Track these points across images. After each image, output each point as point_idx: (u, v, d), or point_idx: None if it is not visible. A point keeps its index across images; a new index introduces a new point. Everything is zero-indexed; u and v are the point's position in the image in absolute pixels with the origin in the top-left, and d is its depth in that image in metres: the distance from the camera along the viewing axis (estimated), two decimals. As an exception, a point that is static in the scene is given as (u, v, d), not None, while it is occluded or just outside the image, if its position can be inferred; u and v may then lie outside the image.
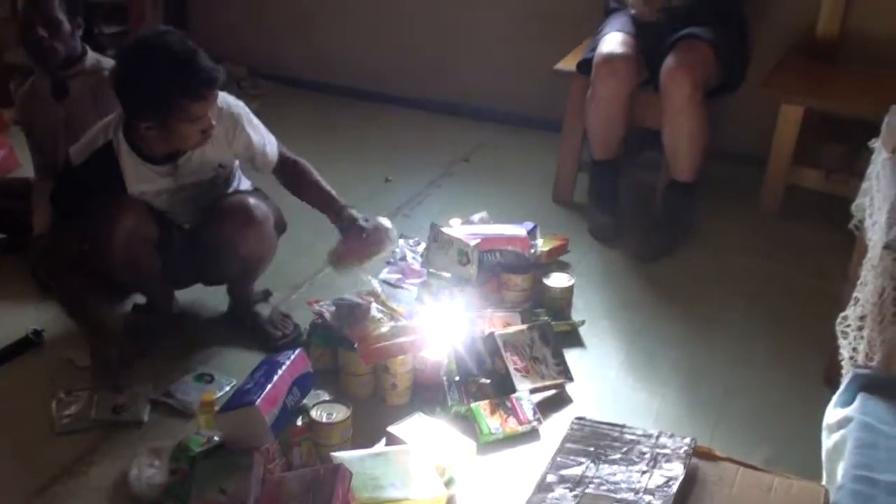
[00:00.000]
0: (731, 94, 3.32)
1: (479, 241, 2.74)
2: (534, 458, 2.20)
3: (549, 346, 2.52)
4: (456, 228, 2.89)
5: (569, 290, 2.78)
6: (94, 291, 2.60)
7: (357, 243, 2.56)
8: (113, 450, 2.25)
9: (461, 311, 2.59)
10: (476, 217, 3.08)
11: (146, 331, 2.65)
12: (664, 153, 3.20)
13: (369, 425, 2.26)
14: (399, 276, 2.91)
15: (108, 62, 2.98)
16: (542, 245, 2.96)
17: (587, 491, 1.76)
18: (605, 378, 2.57)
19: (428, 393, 2.41)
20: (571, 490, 1.77)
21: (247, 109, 2.58)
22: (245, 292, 2.72)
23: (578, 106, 3.31)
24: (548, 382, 2.45)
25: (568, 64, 3.40)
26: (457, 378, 2.40)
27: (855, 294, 1.97)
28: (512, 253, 2.80)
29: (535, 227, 2.97)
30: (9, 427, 2.32)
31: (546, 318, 2.64)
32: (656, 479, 1.77)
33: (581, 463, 1.85)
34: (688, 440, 1.85)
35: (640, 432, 1.91)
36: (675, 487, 1.74)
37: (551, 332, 2.55)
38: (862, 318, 1.92)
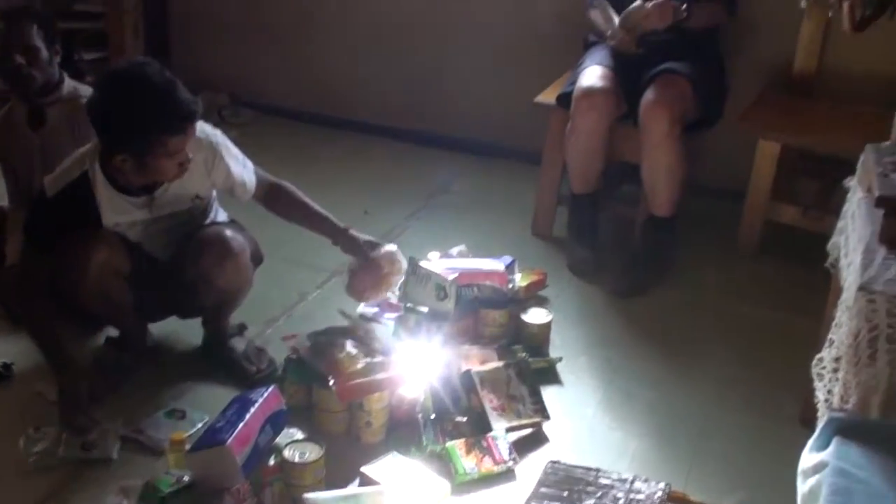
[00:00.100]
0: (709, 129, 3.34)
1: (456, 275, 2.73)
2: (509, 500, 2.18)
3: (526, 384, 2.50)
4: (434, 262, 2.87)
5: (546, 326, 2.77)
6: (65, 324, 2.57)
7: (369, 272, 2.60)
8: (81, 488, 2.21)
9: (438, 347, 2.57)
10: (454, 251, 3.06)
11: (118, 365, 2.62)
12: (643, 187, 3.20)
13: (343, 464, 2.23)
14: (376, 310, 2.89)
15: (86, 90, 2.96)
16: (519, 280, 2.95)
17: (561, 536, 1.75)
18: (582, 416, 2.55)
19: (403, 431, 2.38)
20: (545, 535, 1.75)
21: (225, 138, 2.56)
22: (220, 326, 2.69)
23: (558, 139, 3.31)
24: (524, 421, 2.43)
25: (548, 97, 3.40)
26: (432, 416, 2.38)
27: (830, 336, 1.96)
28: (490, 288, 2.78)
29: (513, 262, 2.96)
30: (-25, 464, 2.28)
31: (523, 354, 2.63)
32: (631, 524, 1.76)
33: (555, 507, 1.83)
34: (662, 485, 1.84)
35: (614, 476, 1.89)
36: (649, 533, 1.73)
37: (528, 370, 2.53)
38: (837, 359, 1.91)
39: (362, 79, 4.31)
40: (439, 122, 4.20)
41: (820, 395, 1.96)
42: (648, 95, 3.08)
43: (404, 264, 2.67)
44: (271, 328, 2.86)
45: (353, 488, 2.14)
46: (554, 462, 1.96)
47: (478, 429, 2.36)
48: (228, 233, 2.54)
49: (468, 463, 2.25)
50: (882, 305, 1.78)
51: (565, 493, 1.84)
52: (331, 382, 2.34)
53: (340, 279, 2.74)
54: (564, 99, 3.26)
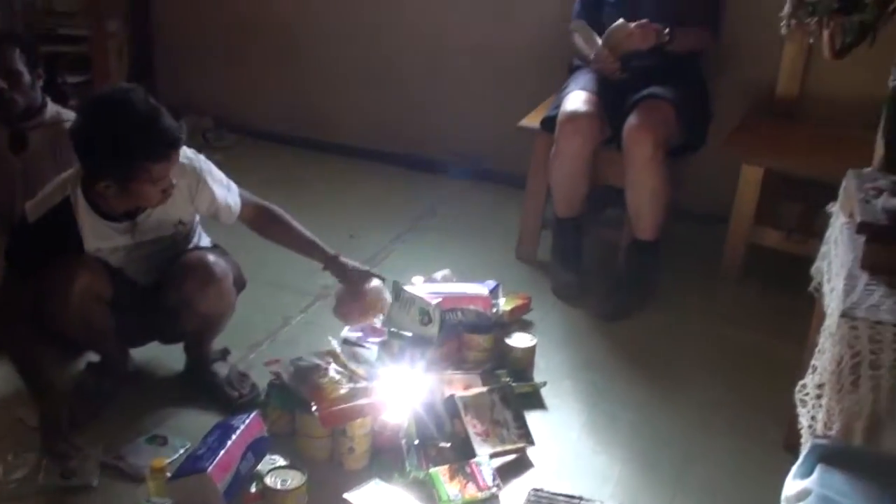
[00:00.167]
0: (693, 154, 3.35)
1: (440, 300, 2.72)
2: (493, 526, 2.17)
3: (510, 409, 2.49)
4: (418, 287, 2.87)
5: (530, 351, 2.76)
6: (46, 349, 2.55)
7: (356, 299, 2.64)
8: (61, 516, 2.19)
9: (422, 371, 2.56)
10: (439, 275, 3.06)
11: (99, 390, 2.59)
12: (627, 211, 3.21)
13: (325, 491, 2.22)
14: (360, 334, 2.87)
15: (69, 114, 2.95)
16: (504, 304, 2.95)
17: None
18: (567, 441, 2.54)
19: (386, 456, 2.36)
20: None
21: (208, 163, 2.56)
22: (202, 351, 2.67)
23: (542, 163, 3.31)
24: (508, 447, 2.42)
25: (532, 121, 3.41)
26: (416, 441, 2.36)
27: (813, 362, 1.96)
28: (473, 312, 2.78)
29: (497, 286, 2.96)
30: (-47, 492, 2.25)
31: (507, 379, 2.62)
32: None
33: (539, 534, 1.82)
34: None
35: None
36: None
37: (512, 395, 2.52)
38: (820, 386, 1.90)
39: (347, 102, 4.31)
40: (424, 144, 4.20)
41: (803, 421, 1.95)
42: (632, 120, 3.09)
43: (388, 300, 2.69)
44: (254, 353, 2.85)
45: (335, 516, 2.12)
46: (537, 490, 1.95)
47: (461, 454, 2.35)
48: (211, 258, 2.53)
49: (452, 489, 2.23)
50: (864, 332, 1.78)
51: (549, 521, 1.83)
52: (313, 408, 2.32)
53: (327, 301, 2.77)
54: (548, 123, 3.27)
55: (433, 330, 2.68)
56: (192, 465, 2.05)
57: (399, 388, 2.43)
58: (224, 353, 2.74)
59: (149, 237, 2.50)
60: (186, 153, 2.46)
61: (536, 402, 2.67)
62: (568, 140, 3.15)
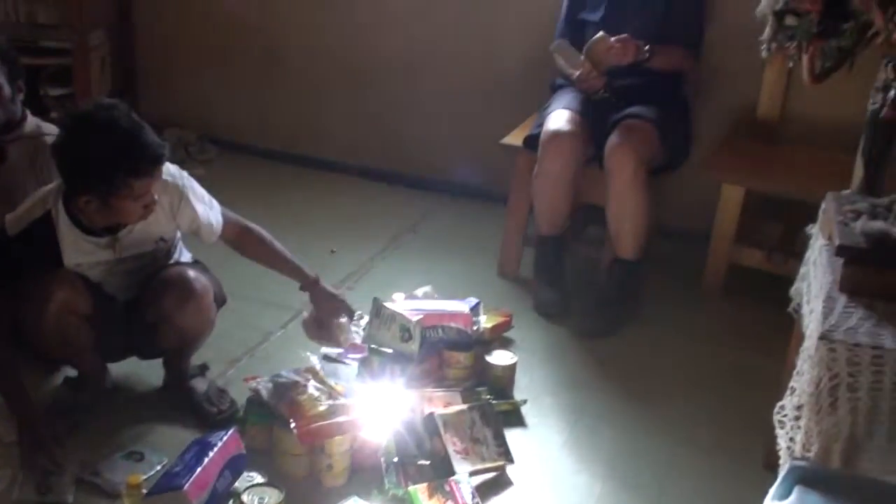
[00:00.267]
0: (674, 172, 3.36)
1: (421, 317, 2.72)
2: (471, 545, 2.16)
3: (490, 427, 2.49)
4: (399, 303, 2.87)
5: (511, 369, 2.76)
6: (24, 363, 2.52)
7: (322, 326, 2.68)
8: (34, 534, 2.16)
9: (402, 389, 2.56)
10: (420, 292, 3.06)
11: (76, 405, 2.57)
12: (609, 230, 3.22)
13: (303, 509, 2.21)
14: (340, 350, 2.86)
15: (49, 127, 2.93)
16: (485, 321, 2.95)
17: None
18: (547, 459, 2.54)
19: (365, 474, 2.36)
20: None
21: (191, 180, 2.55)
22: (181, 366, 2.65)
23: (524, 181, 3.32)
24: (488, 465, 2.41)
25: (514, 139, 3.42)
26: (395, 459, 2.35)
27: (791, 383, 1.97)
28: (454, 329, 2.77)
29: (478, 304, 2.95)
30: (-75, 508, 2.22)
31: (488, 396, 2.62)
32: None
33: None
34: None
35: (577, 524, 1.88)
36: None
37: (492, 412, 2.52)
38: (799, 407, 1.91)
39: (330, 118, 4.31)
40: (406, 160, 4.20)
41: (782, 442, 1.96)
42: (613, 140, 3.10)
43: (351, 338, 2.74)
44: (233, 368, 2.83)
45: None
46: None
47: (441, 472, 2.34)
48: (191, 273, 2.52)
49: (431, 508, 2.23)
50: (842, 354, 1.79)
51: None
52: (292, 425, 2.31)
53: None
54: (531, 141, 3.28)
55: (413, 347, 2.67)
56: (168, 483, 2.04)
57: (379, 406, 2.42)
58: (203, 369, 2.72)
59: (130, 253, 2.49)
60: (170, 170, 2.46)
61: (517, 420, 2.67)
62: (551, 159, 3.16)
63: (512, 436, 2.55)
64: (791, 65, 2.16)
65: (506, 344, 2.99)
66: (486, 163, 3.86)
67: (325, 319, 2.67)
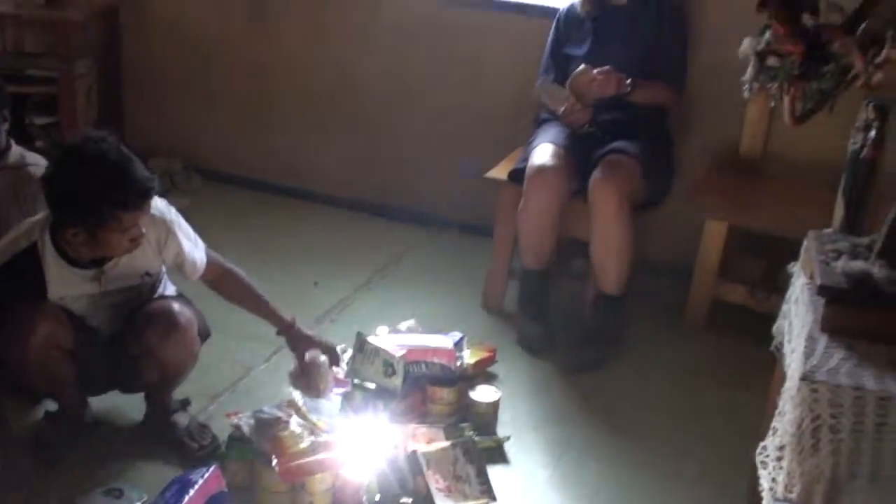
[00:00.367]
0: (657, 207, 3.38)
1: (405, 352, 2.71)
2: (453, 585, 2.15)
3: (472, 464, 2.48)
4: (383, 337, 2.86)
5: (495, 405, 2.75)
6: (5, 395, 2.51)
7: (304, 373, 2.63)
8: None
9: (385, 424, 2.55)
10: (403, 325, 3.05)
11: (56, 440, 2.55)
12: (592, 264, 3.22)
13: (284, 548, 2.19)
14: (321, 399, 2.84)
15: (33, 157, 2.93)
16: (468, 356, 2.94)
17: None
18: (531, 496, 2.53)
19: (347, 513, 2.34)
20: None
21: (178, 215, 2.56)
22: (163, 401, 2.64)
23: (509, 215, 3.32)
24: (471, 503, 2.40)
25: (499, 172, 3.43)
26: (377, 497, 2.34)
27: (773, 424, 1.97)
28: (438, 365, 2.77)
29: (462, 339, 2.95)
30: None
31: (471, 433, 2.61)
32: None
33: None
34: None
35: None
36: None
37: (475, 450, 2.51)
38: (781, 448, 1.91)
39: (315, 149, 4.31)
40: (390, 191, 4.21)
41: (764, 483, 1.96)
42: (597, 175, 3.12)
43: (332, 387, 2.68)
44: (215, 403, 2.81)
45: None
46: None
47: (423, 511, 2.34)
48: (176, 306, 2.51)
49: (413, 546, 2.21)
50: (824, 395, 1.79)
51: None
52: (273, 462, 2.30)
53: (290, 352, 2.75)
54: (516, 175, 3.29)
55: (397, 382, 2.67)
56: (148, 522, 2.02)
57: (361, 442, 2.41)
58: (184, 404, 2.70)
59: (115, 286, 2.49)
60: (158, 205, 2.46)
61: (500, 457, 2.66)
62: (536, 193, 3.17)
63: (496, 472, 2.54)
64: (773, 104, 2.17)
65: (490, 378, 2.98)
66: (471, 196, 3.86)
67: (304, 366, 2.63)
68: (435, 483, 2.37)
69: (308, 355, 2.62)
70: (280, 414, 2.43)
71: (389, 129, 4.15)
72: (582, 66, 3.17)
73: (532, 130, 3.47)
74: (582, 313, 3.33)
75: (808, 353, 1.90)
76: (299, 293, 3.47)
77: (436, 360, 2.77)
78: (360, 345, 2.73)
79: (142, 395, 2.66)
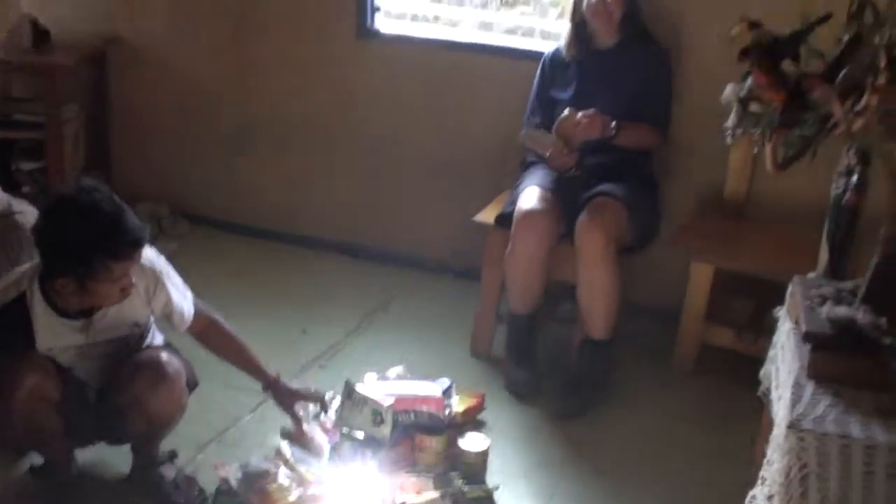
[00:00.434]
0: (644, 251, 3.39)
1: (393, 400, 2.70)
2: None
3: (461, 514, 2.46)
4: (371, 385, 2.85)
5: (484, 454, 2.74)
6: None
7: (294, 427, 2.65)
8: None
9: (373, 475, 2.53)
10: (392, 373, 3.04)
11: (42, 494, 2.53)
12: (579, 308, 3.22)
13: None
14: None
15: (20, 205, 2.94)
16: (457, 404, 2.93)
17: None
18: (520, 545, 2.52)
19: (335, 565, 2.32)
20: None
21: (167, 265, 2.56)
22: (150, 453, 2.62)
23: (497, 259, 3.33)
24: (460, 553, 2.39)
25: (487, 216, 3.44)
26: (365, 549, 2.33)
27: (762, 473, 1.97)
28: (426, 414, 2.76)
29: (450, 386, 2.95)
30: None
31: (460, 482, 2.59)
32: None
33: None
34: None
35: None
36: None
37: (465, 500, 2.52)
38: (770, 497, 1.91)
39: (302, 193, 4.32)
40: (378, 236, 4.21)
41: (754, 532, 1.95)
42: (583, 218, 3.13)
43: (320, 446, 2.69)
44: (202, 453, 2.79)
45: None
46: None
47: (412, 563, 2.32)
48: (164, 356, 2.50)
49: None
50: (811, 444, 1.80)
51: None
52: (261, 516, 2.28)
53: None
54: (503, 219, 3.30)
55: (385, 431, 2.66)
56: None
57: (350, 494, 2.39)
58: (171, 456, 2.68)
59: (103, 337, 2.48)
60: (147, 254, 2.46)
61: (490, 505, 2.65)
62: (524, 238, 3.18)
63: (485, 521, 2.53)
64: (755, 150, 2.18)
65: (478, 426, 2.97)
66: (458, 239, 3.87)
67: (297, 429, 2.64)
68: (424, 534, 2.36)
69: (293, 404, 2.64)
70: (267, 466, 2.41)
71: (377, 172, 4.16)
72: (567, 110, 3.20)
73: (518, 174, 3.49)
74: (570, 357, 3.32)
75: (795, 401, 1.90)
76: (287, 339, 3.46)
77: (424, 408, 2.76)
78: (349, 393, 2.72)
79: (128, 446, 2.64)
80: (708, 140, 3.38)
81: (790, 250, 3.13)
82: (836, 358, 1.98)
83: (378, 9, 3.97)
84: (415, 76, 3.98)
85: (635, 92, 3.32)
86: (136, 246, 2.33)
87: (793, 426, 1.83)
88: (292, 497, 2.31)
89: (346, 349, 3.46)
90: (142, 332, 2.56)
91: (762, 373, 2.39)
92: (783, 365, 2.19)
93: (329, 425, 2.76)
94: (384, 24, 4.01)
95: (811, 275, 2.39)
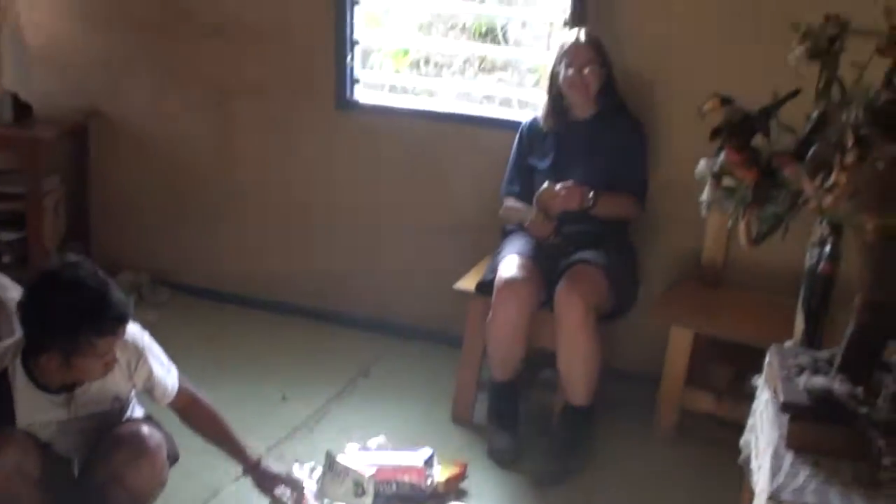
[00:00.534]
0: (623, 317, 3.42)
1: (374, 471, 2.70)
2: None
3: (445, 587, 2.45)
4: (352, 455, 2.84)
5: (466, 524, 2.74)
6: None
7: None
8: None
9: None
10: (373, 443, 3.04)
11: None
12: (560, 375, 3.24)
13: None
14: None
15: (1, 279, 2.93)
16: (439, 473, 2.93)
17: None
18: None
19: None
20: None
21: (151, 340, 2.57)
22: (129, 528, 2.59)
23: (477, 326, 3.35)
24: None
25: (467, 284, 3.47)
26: None
27: (745, 545, 1.98)
28: (408, 484, 2.76)
29: (432, 455, 2.94)
30: None
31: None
32: None
33: None
34: None
35: None
36: None
37: (447, 573, 2.49)
38: (753, 569, 1.92)
39: (283, 260, 4.34)
40: (358, 301, 4.22)
41: None
42: (562, 286, 3.16)
43: None
44: (183, 527, 2.77)
45: None
46: None
47: None
48: (145, 430, 2.50)
49: None
50: (792, 516, 1.81)
51: None
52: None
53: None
54: (484, 287, 3.32)
55: (367, 502, 2.65)
56: None
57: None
58: (152, 529, 2.66)
59: (84, 412, 2.47)
60: (130, 329, 2.46)
61: (473, 578, 2.64)
62: (505, 306, 3.20)
63: None
64: (730, 224, 2.23)
65: (460, 495, 2.96)
66: (439, 305, 3.89)
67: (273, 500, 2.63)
68: None
69: (274, 488, 2.65)
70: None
71: (358, 239, 4.19)
72: (546, 185, 3.25)
73: (499, 240, 3.53)
74: (551, 424, 3.33)
75: (775, 471, 1.92)
76: (268, 407, 3.45)
77: (406, 478, 2.76)
78: (330, 464, 2.71)
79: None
80: (685, 207, 3.41)
81: (768, 316, 3.17)
82: (814, 428, 2.00)
83: (357, 80, 4.04)
84: (394, 145, 4.03)
85: (612, 162, 3.38)
86: (121, 321, 2.34)
87: (773, 497, 1.85)
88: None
89: (327, 418, 3.45)
90: (122, 405, 2.55)
91: (742, 441, 2.41)
92: (762, 434, 2.21)
93: (311, 498, 2.75)
94: (363, 94, 4.07)
95: (788, 343, 2.43)
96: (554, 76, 3.38)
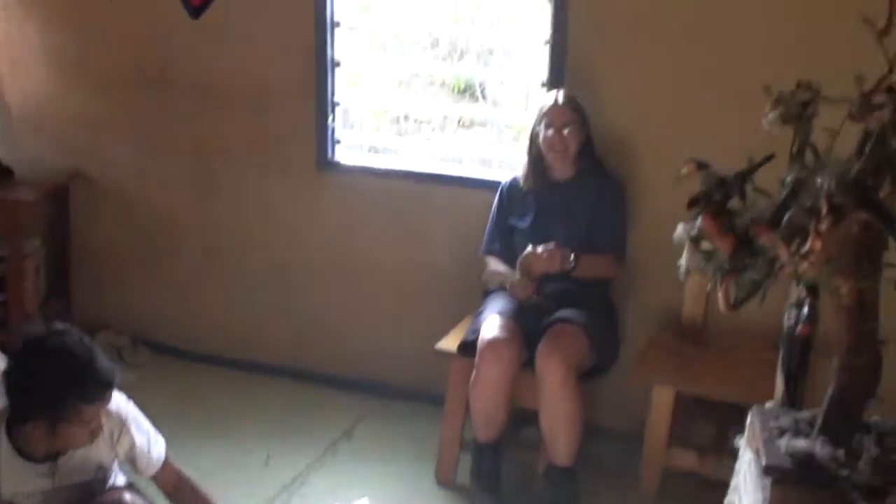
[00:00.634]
0: (605, 375, 3.43)
1: (358, 536, 2.68)
2: None
3: None
4: (335, 520, 2.83)
5: (451, 589, 2.71)
6: None
7: None
8: None
9: None
10: (357, 506, 3.02)
11: None
12: (542, 435, 3.24)
13: None
14: None
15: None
16: (423, 539, 2.91)
17: None
18: None
19: None
20: None
21: (137, 411, 2.56)
22: None
23: (459, 387, 3.35)
24: None
25: (449, 344, 3.47)
26: None
27: None
28: (392, 551, 2.74)
29: (415, 520, 2.93)
30: None
31: None
32: None
33: None
34: None
35: None
36: None
37: None
38: None
39: (263, 321, 4.33)
40: (340, 361, 4.21)
41: None
42: (543, 346, 3.17)
43: None
44: None
45: None
46: None
47: None
48: (127, 498, 2.49)
49: None
50: (776, 583, 1.81)
51: None
52: None
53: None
54: (466, 347, 3.33)
55: (351, 569, 2.63)
56: None
57: None
58: None
59: (68, 482, 2.46)
60: (117, 400, 2.47)
61: None
62: (488, 367, 3.20)
63: None
64: (708, 288, 2.25)
65: (445, 560, 2.95)
66: (420, 365, 3.88)
67: None
68: None
69: None
70: None
71: (337, 299, 4.19)
72: (527, 250, 3.30)
73: (480, 299, 3.54)
74: (534, 483, 3.32)
75: (757, 537, 1.92)
76: (250, 471, 3.43)
77: (390, 544, 2.73)
78: (314, 530, 2.69)
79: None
80: (664, 266, 3.43)
81: (749, 373, 3.17)
82: (796, 491, 2.01)
83: (338, 141, 4.07)
84: (374, 205, 4.05)
85: (592, 221, 3.42)
86: (108, 388, 2.35)
87: (759, 565, 1.84)
88: None
89: (310, 480, 3.43)
90: (105, 475, 2.54)
91: (726, 502, 2.41)
92: (746, 495, 2.21)
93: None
94: (344, 155, 4.10)
95: (769, 404, 2.44)
96: (534, 137, 3.43)
